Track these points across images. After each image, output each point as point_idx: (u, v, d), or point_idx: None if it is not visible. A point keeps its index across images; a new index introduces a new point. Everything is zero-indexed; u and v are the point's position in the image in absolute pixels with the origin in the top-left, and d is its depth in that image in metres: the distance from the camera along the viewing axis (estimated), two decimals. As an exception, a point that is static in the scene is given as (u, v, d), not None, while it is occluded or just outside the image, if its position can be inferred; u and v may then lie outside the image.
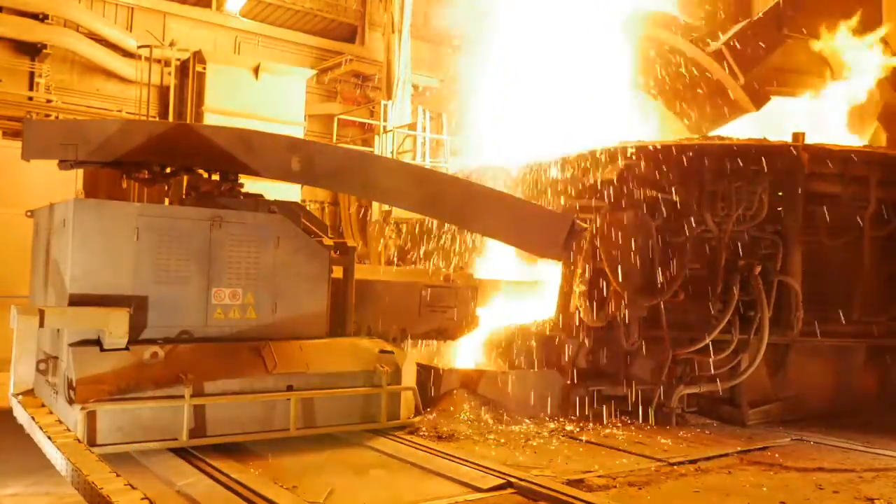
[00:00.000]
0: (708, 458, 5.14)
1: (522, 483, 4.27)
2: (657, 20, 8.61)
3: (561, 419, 6.15)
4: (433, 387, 6.26)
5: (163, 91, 15.17)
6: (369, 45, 20.07)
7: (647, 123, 8.39)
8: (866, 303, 6.72)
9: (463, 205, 5.41)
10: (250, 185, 5.82)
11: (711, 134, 8.09)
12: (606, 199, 6.43)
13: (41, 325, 4.45)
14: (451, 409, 6.01)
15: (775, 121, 8.28)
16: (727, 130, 8.12)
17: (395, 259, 9.86)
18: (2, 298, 6.63)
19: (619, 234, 6.39)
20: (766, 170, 6.37)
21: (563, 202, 6.77)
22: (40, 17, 15.77)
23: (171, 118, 14.66)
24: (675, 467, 4.89)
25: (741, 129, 8.13)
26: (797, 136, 6.56)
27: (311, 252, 5.55)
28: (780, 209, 6.50)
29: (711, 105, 8.11)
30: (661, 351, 6.37)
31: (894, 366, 6.93)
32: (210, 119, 13.62)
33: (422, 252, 8.38)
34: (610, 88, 8.39)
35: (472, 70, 9.98)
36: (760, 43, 8.23)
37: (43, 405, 5.13)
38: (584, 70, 8.51)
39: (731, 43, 8.11)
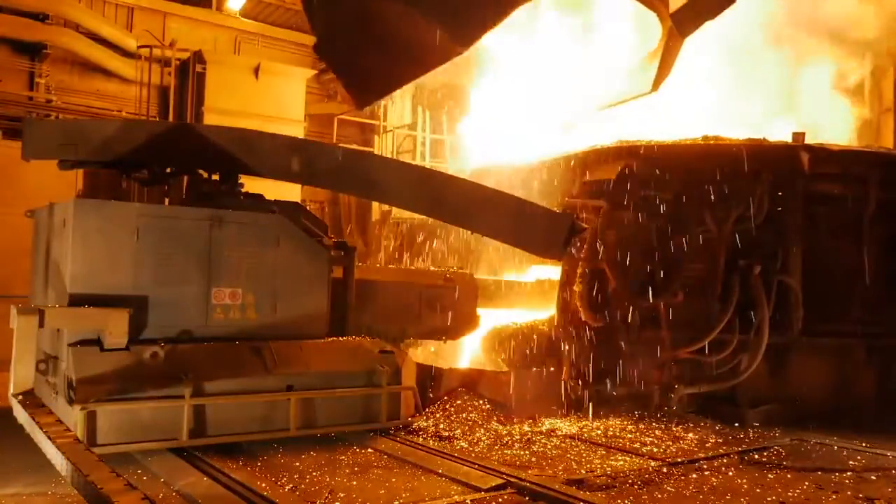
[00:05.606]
0: (708, 458, 5.13)
1: (522, 483, 4.26)
2: None
3: (561, 419, 6.16)
4: (433, 387, 6.26)
5: (163, 91, 15.15)
6: (369, 45, 20.01)
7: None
8: (866, 303, 6.73)
9: (463, 205, 5.42)
10: (250, 185, 5.82)
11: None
12: (606, 199, 6.43)
13: (41, 325, 4.45)
14: (451, 409, 6.02)
15: None
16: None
17: (395, 259, 9.86)
18: (2, 298, 6.63)
19: (619, 234, 6.39)
20: (765, 170, 6.37)
21: (562, 202, 6.76)
22: (40, 17, 15.75)
23: (171, 118, 14.65)
24: (675, 467, 4.89)
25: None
26: (797, 137, 6.57)
27: (311, 252, 5.55)
28: (780, 209, 6.50)
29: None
30: (661, 351, 6.38)
31: (894, 366, 6.92)
32: (210, 119, 13.61)
33: (420, 251, 8.36)
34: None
35: (472, 69, 9.96)
36: None
37: (43, 405, 5.12)
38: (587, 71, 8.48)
39: None
